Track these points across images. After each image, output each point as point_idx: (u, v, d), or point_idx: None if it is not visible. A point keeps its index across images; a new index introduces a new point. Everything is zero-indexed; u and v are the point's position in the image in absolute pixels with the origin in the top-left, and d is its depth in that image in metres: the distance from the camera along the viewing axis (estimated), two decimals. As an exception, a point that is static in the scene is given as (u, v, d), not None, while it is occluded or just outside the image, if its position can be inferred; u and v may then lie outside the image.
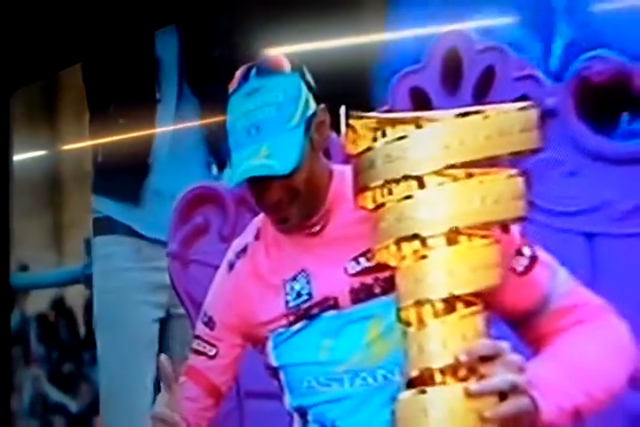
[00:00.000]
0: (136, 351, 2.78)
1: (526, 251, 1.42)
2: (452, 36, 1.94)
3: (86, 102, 3.05)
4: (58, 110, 3.31)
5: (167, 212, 2.51)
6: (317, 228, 1.57)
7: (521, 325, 1.44)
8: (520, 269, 1.41)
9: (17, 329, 3.35)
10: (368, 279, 1.53)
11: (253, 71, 1.56)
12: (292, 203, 1.53)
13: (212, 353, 1.68)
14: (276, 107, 1.51)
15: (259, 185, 1.54)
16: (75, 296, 3.14)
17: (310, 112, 1.53)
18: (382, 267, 1.47)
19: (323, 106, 1.56)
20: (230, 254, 1.69)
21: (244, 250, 1.67)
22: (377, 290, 1.52)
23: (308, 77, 1.57)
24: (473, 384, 1.26)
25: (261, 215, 1.66)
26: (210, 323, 1.69)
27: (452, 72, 1.89)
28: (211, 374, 1.68)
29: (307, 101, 1.54)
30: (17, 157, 3.49)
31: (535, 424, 1.29)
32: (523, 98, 1.73)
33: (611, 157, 1.72)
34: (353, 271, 1.54)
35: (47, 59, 3.17)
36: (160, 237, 2.66)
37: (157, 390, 2.68)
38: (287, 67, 1.56)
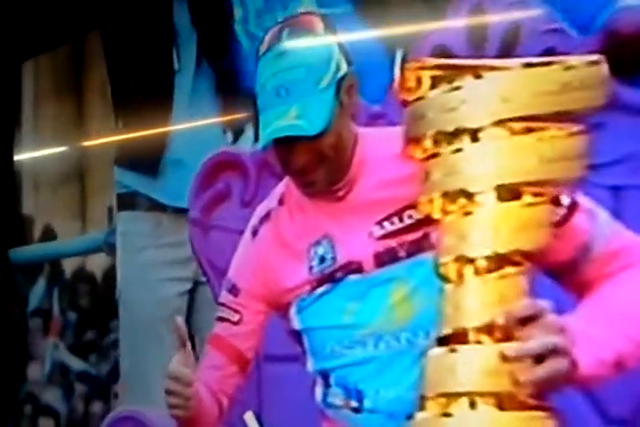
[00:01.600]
0: (157, 327, 2.64)
1: (564, 199, 1.27)
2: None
3: (107, 76, 2.91)
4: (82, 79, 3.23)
5: (187, 180, 2.39)
6: (342, 193, 1.51)
7: (564, 274, 1.31)
8: (557, 218, 1.25)
9: (40, 299, 3.28)
10: (392, 243, 1.49)
11: (285, 32, 1.48)
12: (319, 166, 1.46)
13: (235, 319, 1.61)
14: (306, 68, 1.44)
15: (286, 147, 1.46)
16: (97, 265, 3.05)
17: (341, 74, 1.46)
18: (407, 230, 1.46)
19: (353, 68, 1.48)
20: (254, 220, 1.62)
21: (267, 216, 1.60)
22: (401, 253, 1.48)
23: (341, 38, 1.49)
24: (509, 348, 1.14)
25: (285, 180, 1.58)
26: (234, 290, 1.62)
27: (477, 28, 1.82)
28: (235, 341, 1.61)
29: (338, 63, 1.47)
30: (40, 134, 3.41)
31: (572, 381, 1.16)
32: (549, 51, 1.66)
33: (637, 108, 1.63)
34: (377, 235, 1.49)
35: (65, 27, 3.08)
36: (182, 205, 2.52)
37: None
38: (320, 27, 1.48)
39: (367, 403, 1.49)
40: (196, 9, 2.68)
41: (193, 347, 1.66)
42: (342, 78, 1.46)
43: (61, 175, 3.25)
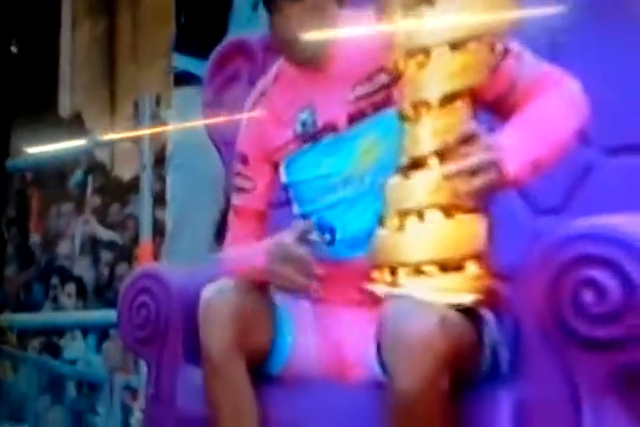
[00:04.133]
0: (204, 188, 2.74)
1: (498, 47, 1.47)
2: None
3: None
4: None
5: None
6: (323, 64, 1.63)
7: (498, 106, 1.50)
8: (493, 62, 1.46)
9: (75, 186, 3.48)
10: (362, 104, 1.61)
11: None
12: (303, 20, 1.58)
13: (250, 186, 1.76)
14: None
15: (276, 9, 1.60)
16: (124, 151, 3.24)
17: None
18: (374, 92, 1.59)
19: None
20: (252, 98, 1.77)
21: (263, 93, 1.75)
22: (369, 111, 1.60)
23: None
24: (451, 167, 1.35)
25: (279, 62, 1.73)
26: (243, 158, 1.77)
27: None
28: (256, 205, 1.76)
29: None
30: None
31: (503, 186, 1.37)
32: None
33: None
34: (351, 98, 1.62)
35: None
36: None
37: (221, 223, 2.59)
38: None
39: (338, 235, 1.63)
40: None
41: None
42: None
43: (94, 77, 3.42)
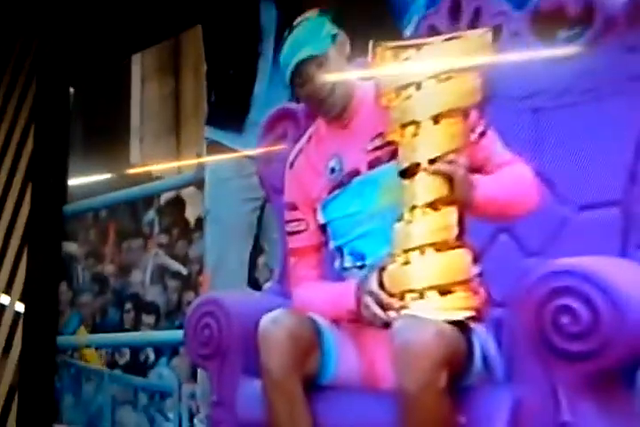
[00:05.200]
0: (237, 235, 3.13)
1: (478, 129, 1.81)
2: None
3: (204, 58, 3.41)
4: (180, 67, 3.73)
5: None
6: (347, 122, 1.96)
7: (479, 173, 1.80)
8: (473, 139, 1.81)
9: (147, 223, 3.82)
10: (378, 153, 1.88)
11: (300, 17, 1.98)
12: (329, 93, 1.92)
13: (302, 228, 1.97)
14: (310, 29, 1.94)
15: (301, 77, 1.90)
16: (189, 195, 3.58)
17: (333, 32, 1.94)
18: (388, 144, 1.85)
19: (344, 35, 1.96)
20: (290, 157, 2.10)
21: (300, 151, 2.07)
22: (385, 159, 1.87)
23: (334, 17, 1.97)
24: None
25: (312, 126, 2.06)
26: (292, 206, 2.01)
27: (455, 12, 2.22)
28: (312, 241, 1.99)
29: (330, 31, 1.94)
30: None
31: (470, 203, 1.70)
32: (498, 26, 2.09)
33: (552, 58, 2.01)
34: (369, 149, 1.89)
35: (167, 22, 3.53)
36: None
37: (252, 261, 3.13)
38: (314, 13, 1.97)
39: (368, 261, 1.85)
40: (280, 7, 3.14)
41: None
42: (335, 35, 1.92)
43: (161, 130, 3.80)
